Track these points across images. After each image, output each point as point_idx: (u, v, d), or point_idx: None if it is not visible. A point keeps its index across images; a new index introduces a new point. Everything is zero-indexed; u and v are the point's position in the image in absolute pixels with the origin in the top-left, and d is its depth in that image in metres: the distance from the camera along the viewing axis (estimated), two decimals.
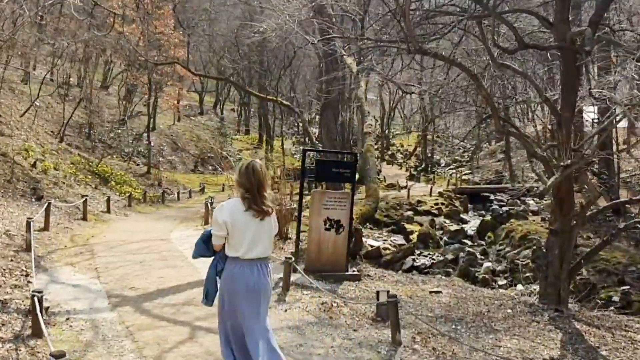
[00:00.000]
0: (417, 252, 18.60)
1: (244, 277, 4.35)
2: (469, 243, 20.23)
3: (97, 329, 5.92)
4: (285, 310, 6.91)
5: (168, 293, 7.31)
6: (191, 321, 6.36)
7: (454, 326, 6.91)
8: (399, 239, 20.37)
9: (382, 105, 52.98)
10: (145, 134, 33.46)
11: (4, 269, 7.59)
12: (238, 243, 4.31)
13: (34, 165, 15.85)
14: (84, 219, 12.93)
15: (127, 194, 18.80)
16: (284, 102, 22.85)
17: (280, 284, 7.68)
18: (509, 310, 7.80)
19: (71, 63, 32.98)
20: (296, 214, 10.67)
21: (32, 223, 8.87)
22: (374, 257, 10.73)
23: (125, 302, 6.93)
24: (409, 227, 21.91)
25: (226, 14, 42.09)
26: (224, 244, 4.42)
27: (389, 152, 54.07)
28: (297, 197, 11.19)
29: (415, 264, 16.79)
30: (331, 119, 12.13)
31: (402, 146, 59.54)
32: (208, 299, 4.68)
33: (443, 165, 48.39)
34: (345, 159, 11.96)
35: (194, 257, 4.74)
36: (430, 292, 8.58)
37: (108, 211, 15.31)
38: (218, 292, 4.53)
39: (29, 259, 8.32)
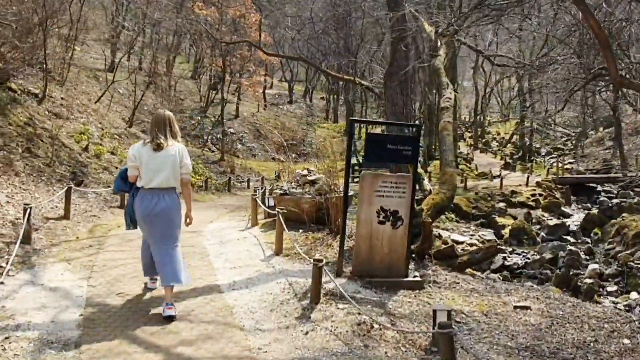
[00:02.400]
0: (509, 249, 16.24)
1: (146, 203, 5.35)
2: (571, 240, 17.60)
3: (36, 356, 4.35)
4: (306, 333, 5.06)
5: (162, 302, 5.64)
6: (172, 346, 4.66)
7: None
8: (489, 234, 18.09)
9: (475, 88, 49.69)
10: (225, 121, 32.58)
11: None
12: (143, 174, 5.33)
13: (85, 148, 14.83)
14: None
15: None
16: (362, 82, 20.99)
17: (309, 295, 5.83)
18: (626, 341, 5.56)
19: (156, 51, 32.74)
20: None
21: (31, 210, 7.49)
22: (447, 257, 8.66)
23: (102, 313, 5.33)
24: (500, 220, 19.51)
25: None
26: (138, 177, 5.40)
27: (483, 140, 50.80)
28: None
29: (506, 262, 14.50)
30: (396, 90, 10.09)
31: (498, 134, 56.06)
32: (128, 227, 5.80)
33: (543, 153, 44.71)
34: (406, 134, 9.87)
35: (114, 192, 6.47)
36: (515, 308, 6.44)
37: None
38: None
39: (19, 253, 6.97)
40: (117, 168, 15.28)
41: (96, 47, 32.88)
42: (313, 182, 9.38)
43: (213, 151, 29.61)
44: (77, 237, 8.43)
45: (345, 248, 7.30)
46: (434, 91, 31.77)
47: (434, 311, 4.89)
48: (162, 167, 5.28)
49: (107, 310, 5.41)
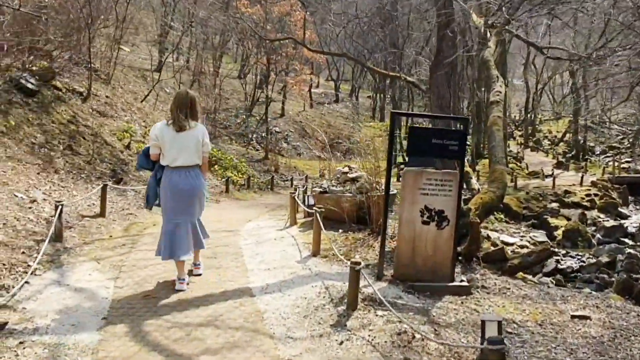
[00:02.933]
0: (563, 251, 15.43)
1: (173, 180, 5.69)
2: (630, 243, 16.62)
3: None
4: (341, 343, 4.64)
5: (189, 306, 5.33)
6: (194, 355, 4.31)
7: None
8: (540, 236, 17.28)
9: (527, 85, 48.24)
10: (271, 120, 32.46)
11: (4, 264, 6.02)
12: (166, 154, 5.65)
13: (127, 146, 14.76)
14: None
15: (225, 179, 17.23)
16: (408, 78, 20.43)
17: (345, 301, 5.41)
18: None
19: (202, 50, 32.90)
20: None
21: (62, 207, 7.30)
22: (496, 260, 8.10)
23: (126, 317, 5.04)
24: (553, 221, 18.65)
25: None
26: (160, 156, 5.74)
27: (534, 138, 49.34)
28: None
29: (559, 266, 13.74)
30: (443, 82, 9.54)
31: (549, 132, 54.41)
32: (148, 203, 6.09)
33: (598, 152, 43.07)
34: (452, 128, 9.31)
35: (137, 169, 6.25)
36: (573, 318, 5.88)
37: None
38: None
39: (49, 251, 6.78)
40: None
41: (145, 48, 33.21)
42: (354, 180, 8.95)
43: (257, 150, 29.48)
44: (111, 236, 8.21)
45: (386, 249, 6.86)
46: (482, 88, 30.92)
47: (483, 322, 4.40)
48: (186, 147, 5.66)
49: (130, 314, 5.11)
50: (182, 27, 32.35)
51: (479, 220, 7.98)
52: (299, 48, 32.41)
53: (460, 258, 7.47)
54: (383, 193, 8.45)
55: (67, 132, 12.88)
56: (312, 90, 46.48)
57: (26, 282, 5.70)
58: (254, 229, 9.28)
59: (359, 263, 5.18)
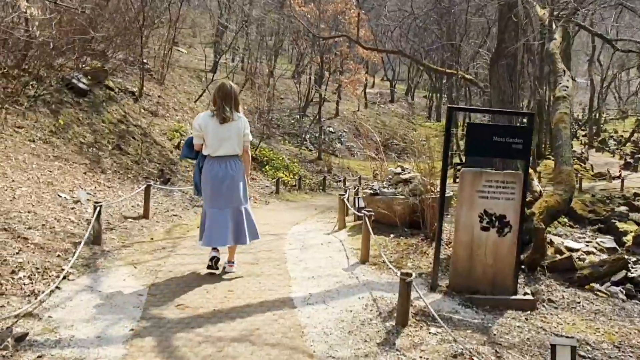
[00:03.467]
0: (633, 258, 14.37)
1: (214, 170, 5.89)
2: None
3: None
4: None
5: (224, 317, 4.91)
6: None
7: None
8: (608, 241, 16.19)
9: (591, 83, 46.25)
10: (324, 120, 32.07)
11: (37, 268, 5.75)
12: (209, 144, 5.84)
13: (177, 146, 14.59)
14: None
15: (275, 180, 16.85)
16: (465, 75, 19.64)
17: (395, 315, 4.89)
18: None
19: (257, 51, 32.88)
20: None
21: (101, 208, 7.02)
22: (564, 270, 7.40)
23: (155, 329, 4.65)
24: (621, 226, 17.48)
25: None
26: (202, 146, 5.94)
27: (599, 139, 47.29)
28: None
29: (629, 274, 12.75)
30: (504, 75, 8.85)
31: (615, 132, 52.09)
32: (197, 192, 6.21)
33: None
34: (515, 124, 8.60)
35: (181, 159, 6.56)
36: None
37: None
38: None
39: (85, 255, 6.51)
40: None
41: (201, 50, 33.40)
42: (407, 182, 8.38)
43: (310, 150, 29.13)
44: (152, 238, 7.92)
45: (441, 257, 6.30)
46: (544, 86, 29.67)
47: (554, 347, 3.80)
48: (228, 138, 5.82)
49: (161, 325, 4.73)
50: (237, 27, 32.42)
51: (543, 226, 7.29)
52: (353, 47, 31.92)
53: (523, 267, 6.82)
54: (438, 195, 7.89)
55: (117, 132, 12.78)
56: (367, 90, 45.86)
57: (57, 288, 5.40)
58: (300, 232, 8.82)
59: (410, 274, 4.65)
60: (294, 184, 18.43)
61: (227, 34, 33.95)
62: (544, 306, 5.85)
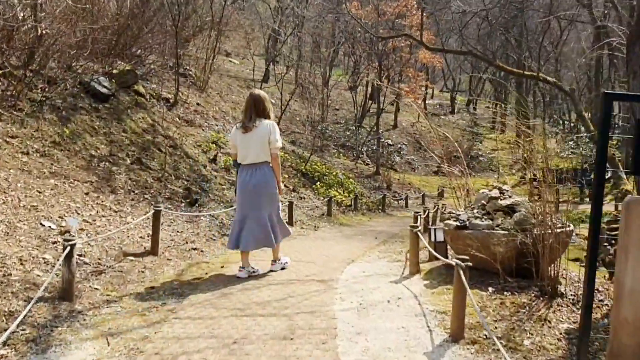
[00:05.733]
0: None
1: (243, 177, 6.13)
2: None
3: None
4: None
5: None
6: None
7: None
8: None
9: None
10: (382, 132, 29.70)
11: None
12: (239, 153, 6.15)
13: (213, 159, 12.52)
14: None
15: (327, 199, 14.39)
16: (547, 78, 16.97)
17: None
18: None
19: (312, 65, 31.06)
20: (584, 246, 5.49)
21: (73, 248, 4.88)
22: None
23: None
24: None
25: None
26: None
27: None
28: (568, 211, 5.95)
29: None
30: None
31: None
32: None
33: None
34: None
35: (233, 166, 7.41)
36: None
37: (290, 222, 11.20)
38: None
39: (43, 318, 4.39)
40: None
41: (255, 60, 31.82)
42: (509, 210, 5.93)
43: (368, 164, 26.76)
44: (152, 287, 5.70)
45: (570, 325, 3.91)
46: None
47: None
48: (252, 146, 6.00)
49: None
50: (291, 33, 30.64)
51: None
52: (414, 52, 29.59)
53: None
54: (559, 230, 5.44)
55: (140, 143, 10.81)
56: (427, 101, 43.32)
57: None
58: (357, 277, 6.35)
59: None
60: (349, 203, 16.06)
61: (280, 42, 32.20)
62: None
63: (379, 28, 27.43)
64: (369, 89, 33.04)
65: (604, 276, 6.09)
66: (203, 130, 14.24)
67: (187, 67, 18.05)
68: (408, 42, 28.27)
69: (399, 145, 32.81)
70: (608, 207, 13.97)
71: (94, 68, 12.11)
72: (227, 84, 23.71)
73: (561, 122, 46.44)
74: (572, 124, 42.09)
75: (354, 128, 29.71)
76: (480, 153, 36.55)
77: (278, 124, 19.40)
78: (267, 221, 6.08)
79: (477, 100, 55.49)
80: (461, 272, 4.25)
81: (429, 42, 24.83)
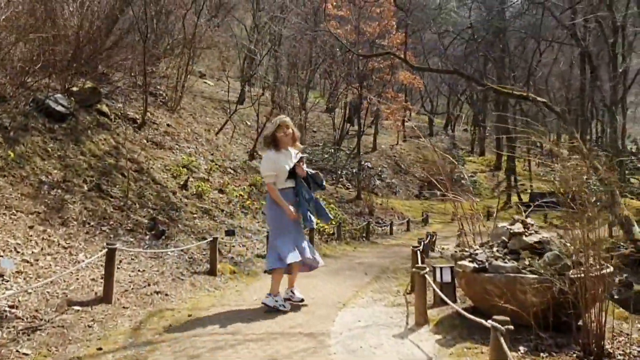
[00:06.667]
0: None
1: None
2: None
3: None
4: None
5: None
6: None
7: None
8: None
9: None
10: (362, 154, 28.72)
11: None
12: None
13: (184, 185, 11.37)
14: (211, 272, 7.80)
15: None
16: (537, 98, 16.17)
17: None
18: None
19: (288, 87, 30.06)
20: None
21: None
22: None
23: None
24: None
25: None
26: None
27: None
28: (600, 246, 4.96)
29: None
30: None
31: None
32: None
33: None
34: None
35: None
36: None
37: (264, 256, 10.04)
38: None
39: None
40: (222, 211, 11.71)
41: (230, 82, 30.80)
42: (538, 248, 4.91)
43: (348, 188, 25.72)
44: (100, 348, 4.54)
45: None
46: None
47: None
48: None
49: None
50: (267, 53, 29.68)
51: None
52: (393, 72, 28.84)
53: None
54: (603, 272, 4.45)
55: (100, 167, 9.65)
56: (406, 123, 42.68)
57: None
58: (352, 329, 5.13)
59: None
60: (331, 232, 14.93)
61: (256, 63, 31.22)
62: None
63: (359, 47, 26.62)
64: (347, 110, 32.19)
65: None
66: (173, 153, 13.09)
67: (158, 86, 16.94)
68: (388, 63, 27.51)
69: (379, 169, 31.90)
70: None
71: (51, 85, 10.98)
72: (201, 105, 22.62)
73: (538, 144, 45.98)
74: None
75: (332, 151, 28.73)
76: (461, 176, 35.78)
77: (254, 147, 18.22)
78: (270, 244, 6.30)
79: (454, 123, 55.14)
80: (501, 339, 3.20)
81: (411, 62, 24.06)
